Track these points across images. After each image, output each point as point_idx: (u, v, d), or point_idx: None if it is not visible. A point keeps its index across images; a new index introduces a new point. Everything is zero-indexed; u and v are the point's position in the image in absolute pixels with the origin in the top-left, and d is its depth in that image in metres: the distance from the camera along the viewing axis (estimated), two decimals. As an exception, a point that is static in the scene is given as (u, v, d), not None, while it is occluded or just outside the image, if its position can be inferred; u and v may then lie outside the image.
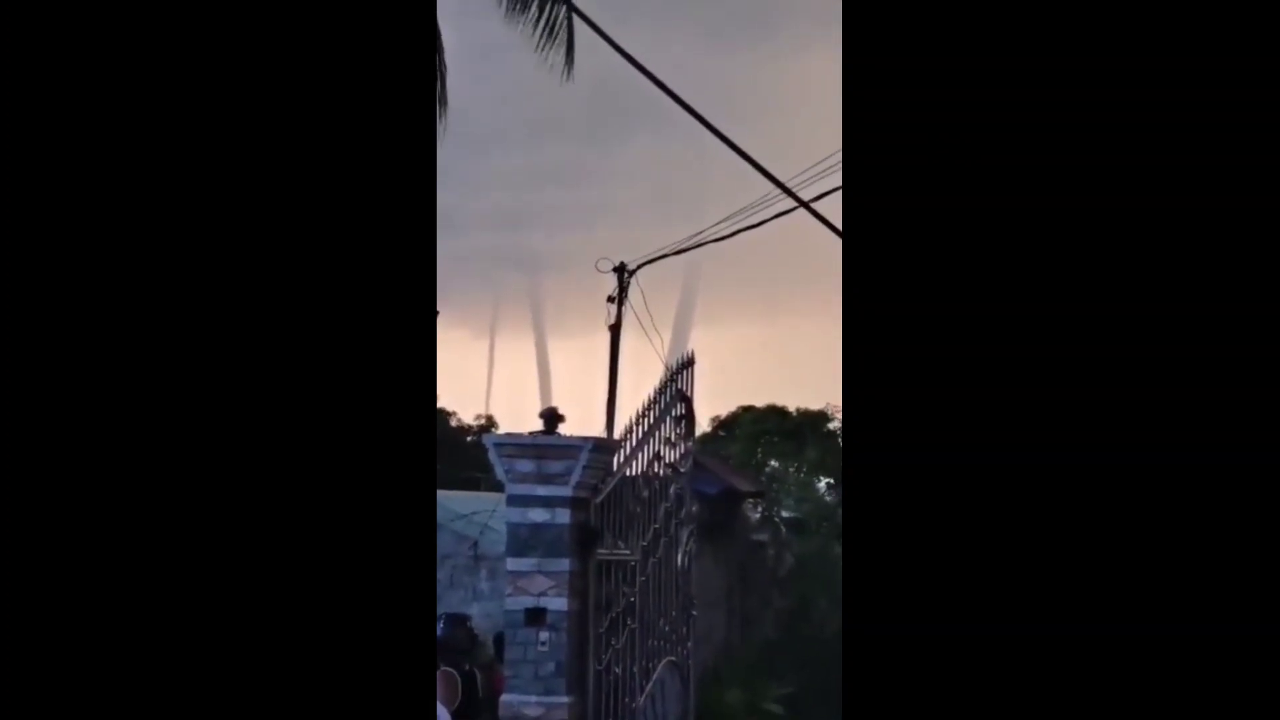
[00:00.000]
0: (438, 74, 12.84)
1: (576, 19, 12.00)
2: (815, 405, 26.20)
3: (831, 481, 22.97)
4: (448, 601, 19.28)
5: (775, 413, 29.82)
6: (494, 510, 16.04)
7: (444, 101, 12.95)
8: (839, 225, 10.49)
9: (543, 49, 12.47)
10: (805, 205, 10.70)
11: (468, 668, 11.20)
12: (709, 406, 30.76)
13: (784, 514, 20.66)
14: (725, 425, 31.14)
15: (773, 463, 26.27)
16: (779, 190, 13.78)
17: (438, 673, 10.87)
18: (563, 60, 12.57)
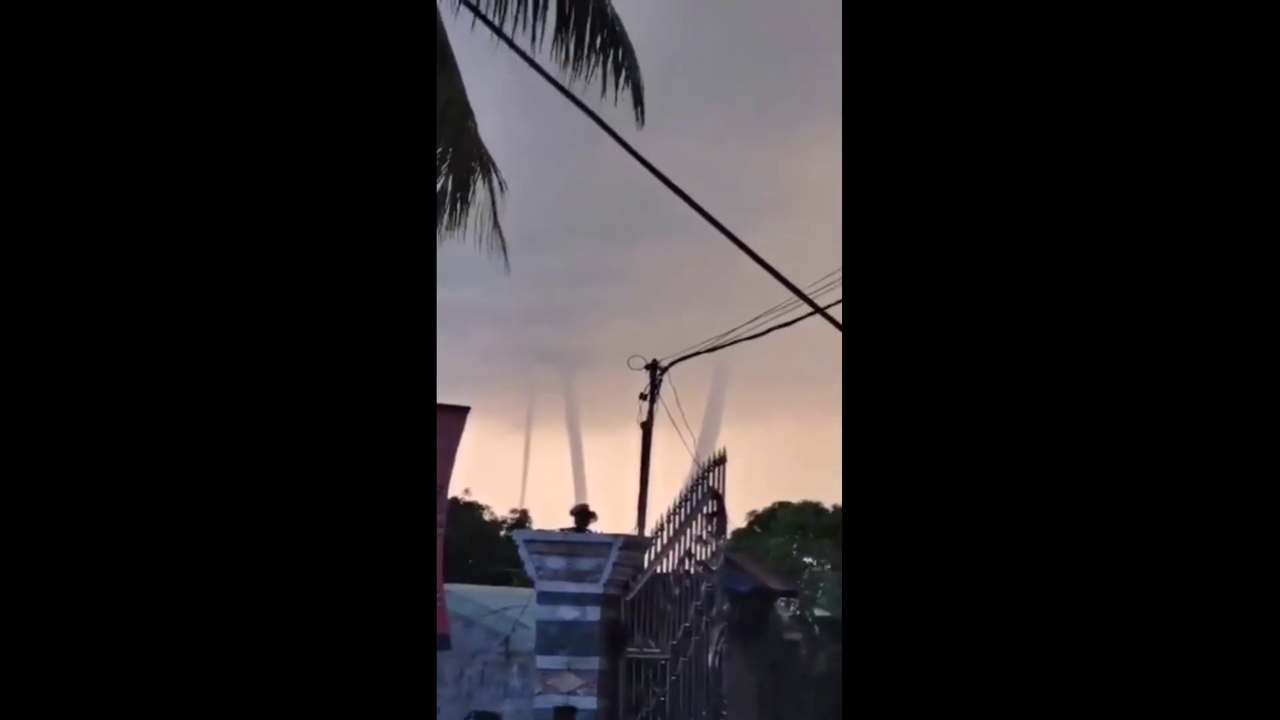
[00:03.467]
0: (489, 166, 12.84)
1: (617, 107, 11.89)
2: (852, 502, 26.01)
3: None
4: (479, 699, 19.18)
5: (812, 509, 29.73)
6: (525, 606, 16.00)
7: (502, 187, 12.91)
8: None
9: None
10: (820, 311, 10.73)
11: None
12: (747, 501, 30.72)
13: (818, 613, 20.53)
14: (761, 521, 31.06)
15: (808, 559, 26.14)
16: (825, 279, 13.81)
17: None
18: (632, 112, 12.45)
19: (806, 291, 13.82)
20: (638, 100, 12.16)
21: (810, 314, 13.56)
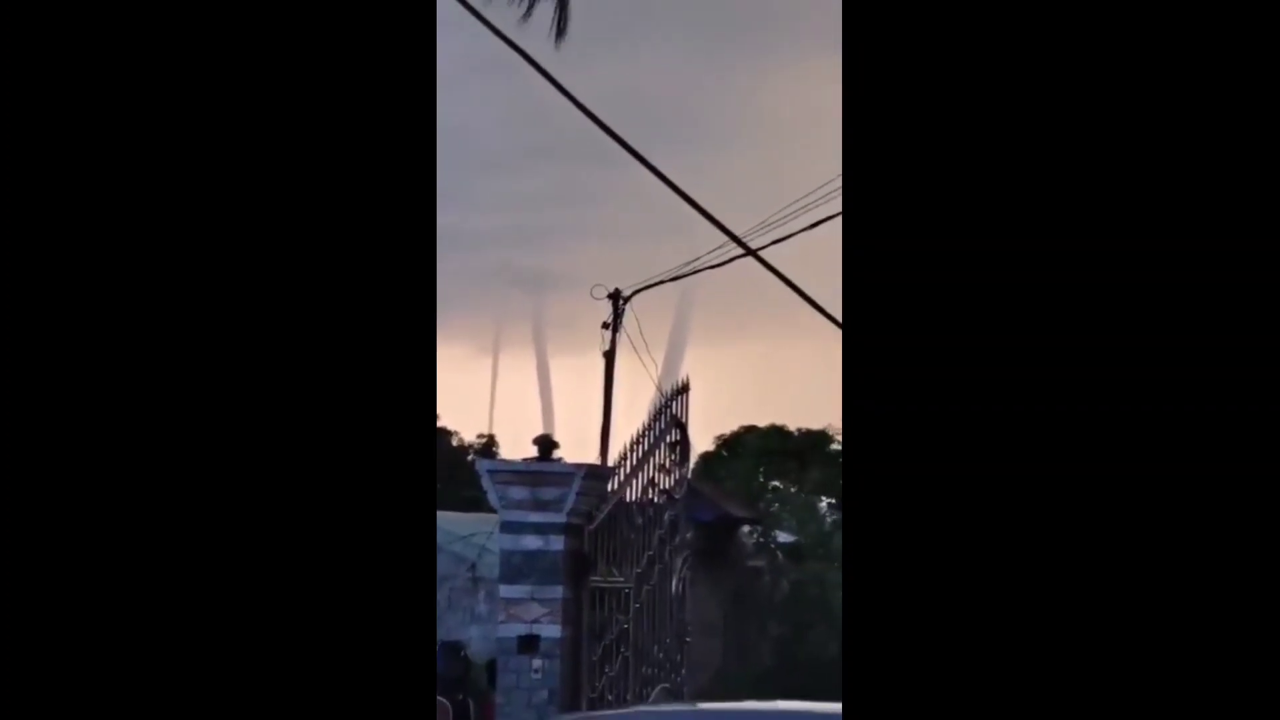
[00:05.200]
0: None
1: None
2: (817, 425, 26.21)
3: (834, 501, 22.92)
4: (446, 624, 19.25)
5: (777, 433, 29.81)
6: (492, 532, 16.05)
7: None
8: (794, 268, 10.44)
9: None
10: (754, 254, 10.75)
11: (461, 698, 11.19)
12: (714, 426, 30.78)
13: (781, 539, 20.65)
14: (728, 445, 31.13)
15: (775, 483, 26.25)
16: (777, 214, 13.80)
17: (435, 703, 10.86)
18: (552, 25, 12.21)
19: (769, 219, 13.85)
20: (560, 26, 11.97)
21: (776, 241, 13.57)
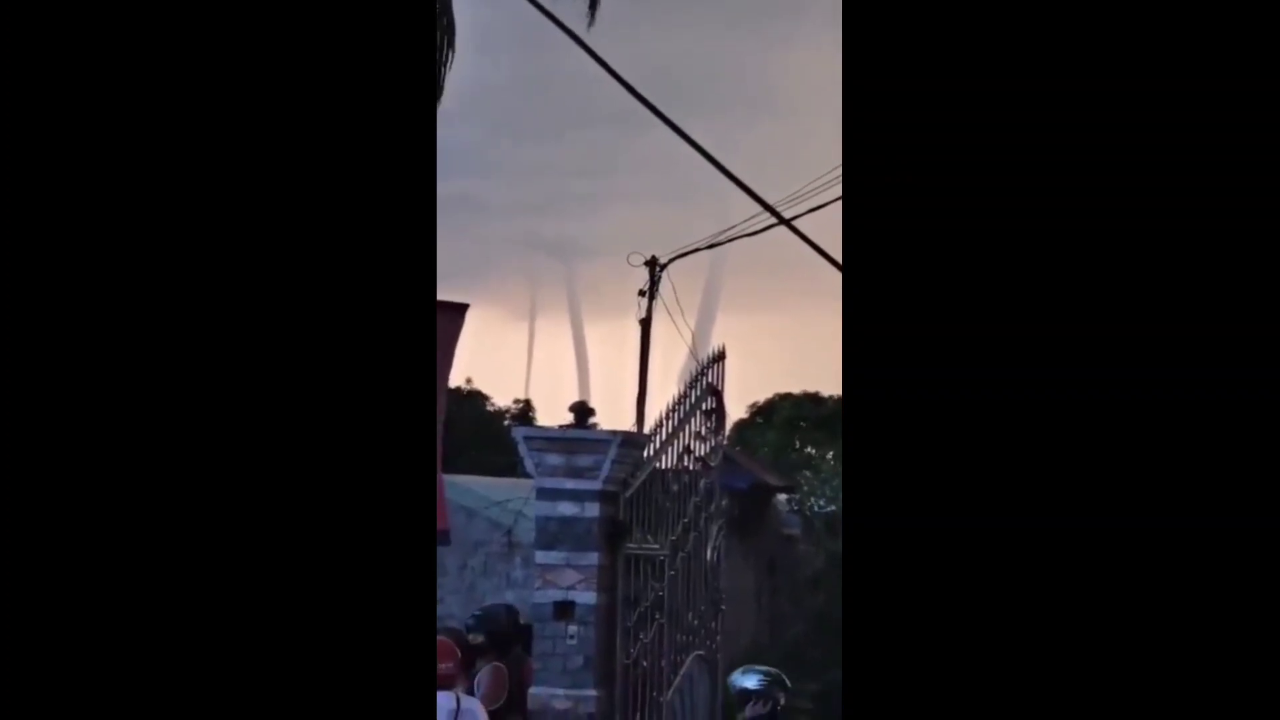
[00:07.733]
0: (448, 59, 12.71)
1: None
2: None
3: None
4: (481, 589, 19.36)
5: (811, 399, 29.84)
6: (528, 498, 16.12)
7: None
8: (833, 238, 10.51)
9: None
10: (787, 223, 10.74)
11: (495, 663, 11.23)
12: (748, 393, 30.82)
13: (817, 508, 20.67)
14: (762, 412, 31.16)
15: (809, 449, 26.30)
16: (812, 184, 13.78)
17: (490, 667, 10.88)
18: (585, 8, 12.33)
19: (802, 189, 13.84)
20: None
21: (809, 211, 13.56)
